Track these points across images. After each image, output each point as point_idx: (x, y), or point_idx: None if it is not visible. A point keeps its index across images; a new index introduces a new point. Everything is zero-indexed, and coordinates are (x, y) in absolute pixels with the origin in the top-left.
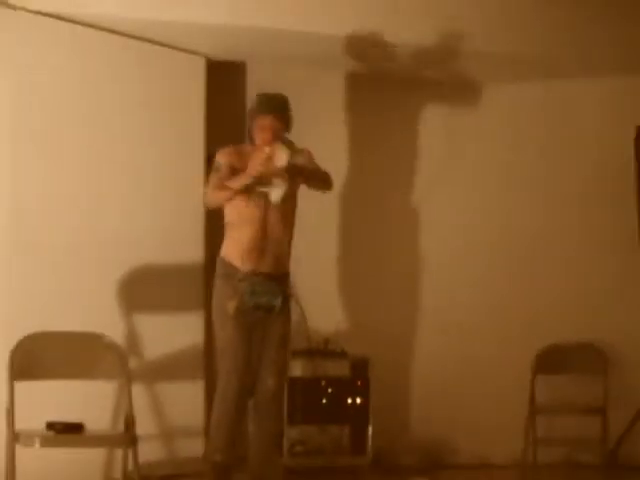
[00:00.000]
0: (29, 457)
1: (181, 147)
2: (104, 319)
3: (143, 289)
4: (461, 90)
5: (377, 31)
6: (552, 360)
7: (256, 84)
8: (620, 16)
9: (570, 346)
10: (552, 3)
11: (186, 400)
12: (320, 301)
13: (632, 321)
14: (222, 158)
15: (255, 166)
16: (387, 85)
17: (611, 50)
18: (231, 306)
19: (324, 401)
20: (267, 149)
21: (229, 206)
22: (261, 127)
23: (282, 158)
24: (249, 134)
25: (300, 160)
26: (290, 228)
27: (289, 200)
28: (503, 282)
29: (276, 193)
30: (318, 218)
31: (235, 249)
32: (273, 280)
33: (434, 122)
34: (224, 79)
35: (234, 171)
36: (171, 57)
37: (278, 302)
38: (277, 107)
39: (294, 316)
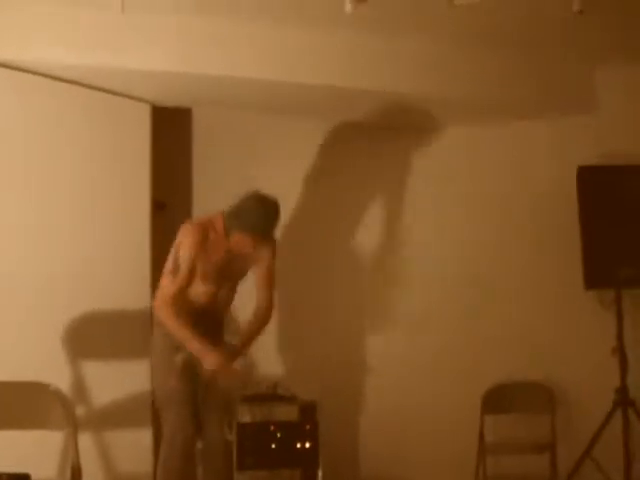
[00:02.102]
0: None
1: (127, 193)
2: (48, 366)
3: (89, 336)
4: (419, 132)
5: (322, 77)
6: (500, 399)
7: (202, 129)
8: (563, 57)
9: (517, 385)
10: (502, 52)
11: (134, 448)
12: (268, 346)
13: (578, 359)
14: (185, 252)
15: (214, 366)
16: (336, 129)
17: (557, 92)
18: (179, 359)
19: (273, 446)
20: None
21: None
22: (244, 243)
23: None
24: (229, 224)
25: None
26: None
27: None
28: (450, 322)
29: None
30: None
31: None
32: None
33: (390, 163)
34: (170, 125)
35: (194, 263)
36: (116, 104)
37: None
38: (272, 230)
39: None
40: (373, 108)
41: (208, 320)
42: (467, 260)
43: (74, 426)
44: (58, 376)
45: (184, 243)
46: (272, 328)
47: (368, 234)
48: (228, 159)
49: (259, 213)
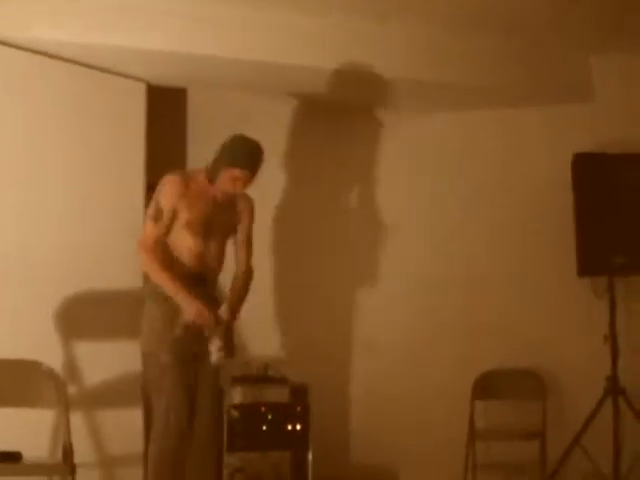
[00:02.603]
0: None
1: (122, 173)
2: (41, 346)
3: (80, 315)
4: (409, 117)
5: (314, 59)
6: (490, 386)
7: (197, 110)
8: (557, 44)
9: (508, 372)
10: (496, 38)
11: (125, 427)
12: (259, 327)
13: (569, 347)
14: (166, 199)
15: (194, 316)
16: (328, 112)
17: (549, 79)
18: (176, 332)
19: (264, 427)
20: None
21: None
22: (233, 178)
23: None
24: (213, 168)
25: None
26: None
27: (227, 240)
28: (442, 308)
29: (215, 355)
30: (256, 244)
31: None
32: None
33: (370, 148)
34: (165, 105)
35: (176, 213)
36: (111, 82)
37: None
38: (257, 165)
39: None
40: (364, 91)
41: (200, 286)
42: (460, 247)
43: (66, 405)
44: (50, 355)
45: (164, 191)
46: (263, 309)
47: (360, 217)
48: (223, 139)
49: (245, 147)
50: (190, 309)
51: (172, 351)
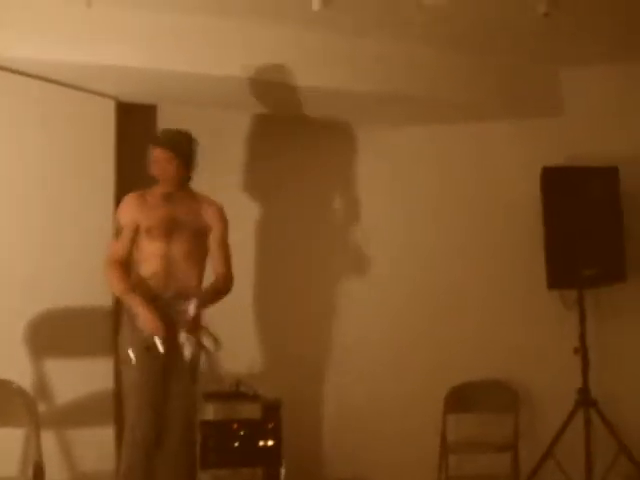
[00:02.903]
0: None
1: (91, 189)
2: (10, 364)
3: (49, 333)
4: (380, 131)
5: (285, 75)
6: (462, 399)
7: (167, 126)
8: (528, 59)
9: (480, 384)
10: (466, 53)
11: (97, 445)
12: (231, 342)
13: (541, 360)
14: (124, 216)
15: (149, 326)
16: (300, 127)
17: (520, 93)
18: (151, 338)
19: (236, 444)
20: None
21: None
22: (152, 159)
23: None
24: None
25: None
26: (197, 265)
27: (196, 242)
28: (414, 321)
29: (187, 350)
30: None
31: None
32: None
33: (346, 161)
34: (134, 121)
35: (137, 225)
36: (80, 99)
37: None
38: (166, 141)
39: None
40: (337, 106)
41: (159, 301)
42: (430, 260)
43: (36, 423)
44: (20, 374)
45: (121, 209)
46: (235, 325)
47: (335, 232)
48: None
49: (162, 130)
50: (144, 317)
51: (141, 370)
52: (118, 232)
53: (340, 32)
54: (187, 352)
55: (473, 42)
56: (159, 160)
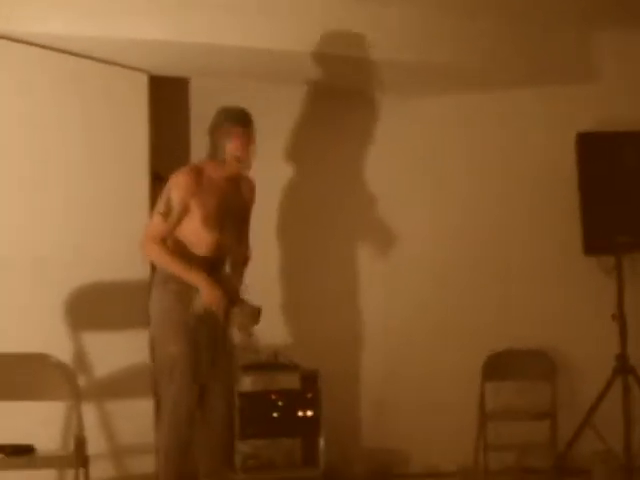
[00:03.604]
0: None
1: (126, 165)
2: (50, 339)
3: (88, 306)
4: (408, 100)
5: (314, 44)
6: (500, 367)
7: (200, 99)
8: (557, 23)
9: (518, 352)
10: (495, 19)
11: (136, 417)
12: (268, 314)
13: (578, 327)
14: (176, 192)
15: (211, 300)
16: (333, 97)
17: (549, 58)
18: (196, 305)
19: (275, 414)
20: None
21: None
22: (236, 137)
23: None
24: (213, 145)
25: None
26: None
27: (242, 225)
28: (451, 291)
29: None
30: (263, 232)
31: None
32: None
33: (387, 131)
34: (167, 94)
35: (189, 209)
36: (113, 73)
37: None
38: (251, 121)
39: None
40: (362, 75)
41: (213, 271)
42: (467, 230)
43: (77, 397)
44: (60, 348)
45: (176, 188)
46: (271, 296)
47: (364, 204)
48: None
49: (233, 108)
50: (208, 292)
51: (183, 340)
52: (167, 211)
53: (362, 1)
54: (239, 337)
55: (498, 6)
56: (244, 138)
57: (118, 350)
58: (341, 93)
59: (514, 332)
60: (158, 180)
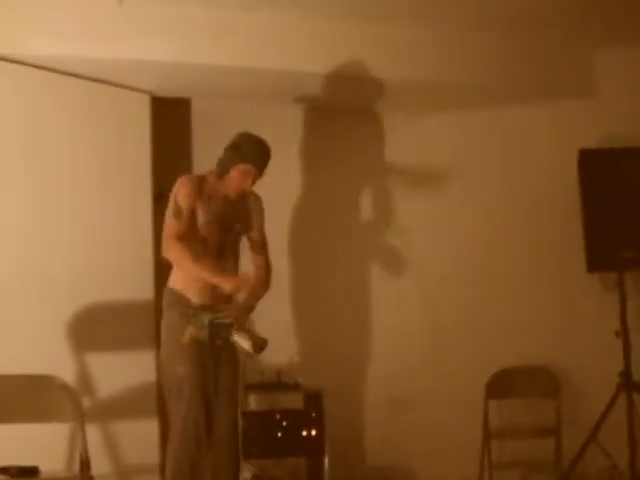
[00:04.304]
0: None
1: (128, 184)
2: (54, 360)
3: (93, 327)
4: (415, 117)
5: (317, 64)
6: (504, 385)
7: (201, 119)
8: (560, 40)
9: (521, 370)
10: (498, 35)
11: (141, 438)
12: (272, 333)
13: (582, 344)
14: (184, 200)
15: (232, 285)
16: (332, 115)
17: (553, 75)
18: (188, 333)
19: (279, 434)
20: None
21: None
22: (244, 174)
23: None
24: (223, 166)
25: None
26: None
27: (237, 240)
28: (455, 308)
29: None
30: (269, 250)
31: (187, 282)
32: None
33: (388, 149)
34: (169, 115)
35: (194, 213)
36: (115, 94)
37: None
38: (266, 162)
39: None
40: (367, 93)
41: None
42: (469, 246)
43: (81, 418)
44: (64, 369)
45: (181, 192)
46: (275, 315)
47: (369, 220)
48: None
49: (255, 144)
50: (231, 282)
51: (190, 361)
52: (178, 212)
53: (367, 19)
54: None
55: (503, 24)
56: (252, 176)
57: (123, 370)
58: (346, 112)
59: (518, 349)
60: (158, 199)
